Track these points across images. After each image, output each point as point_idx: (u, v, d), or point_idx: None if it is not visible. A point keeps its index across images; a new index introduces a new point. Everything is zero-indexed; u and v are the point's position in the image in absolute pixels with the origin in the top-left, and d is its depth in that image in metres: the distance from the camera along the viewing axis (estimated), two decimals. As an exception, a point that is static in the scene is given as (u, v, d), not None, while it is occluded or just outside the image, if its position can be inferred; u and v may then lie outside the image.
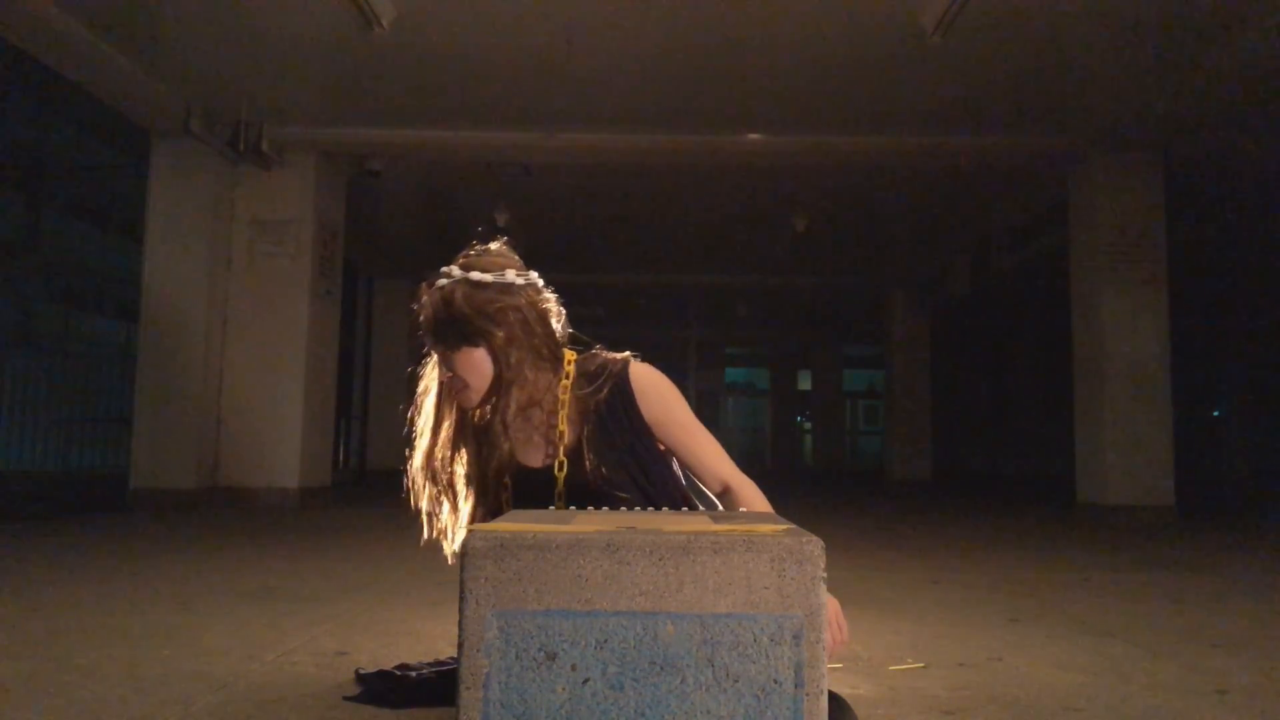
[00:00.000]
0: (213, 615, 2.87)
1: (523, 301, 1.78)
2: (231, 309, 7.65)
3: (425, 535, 1.91)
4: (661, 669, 1.09)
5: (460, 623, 1.10)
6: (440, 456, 1.85)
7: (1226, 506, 9.65)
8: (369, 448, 13.44)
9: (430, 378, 1.89)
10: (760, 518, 1.38)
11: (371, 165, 8.07)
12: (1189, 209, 9.12)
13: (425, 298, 1.81)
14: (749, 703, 1.09)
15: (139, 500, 7.17)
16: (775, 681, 1.09)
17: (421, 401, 1.89)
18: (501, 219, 9.68)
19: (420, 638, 2.58)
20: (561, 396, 1.79)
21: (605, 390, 1.78)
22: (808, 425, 23.85)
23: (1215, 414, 17.63)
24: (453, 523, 1.88)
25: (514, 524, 1.19)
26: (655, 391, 1.80)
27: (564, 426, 1.77)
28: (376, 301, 13.47)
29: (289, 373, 7.60)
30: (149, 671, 2.13)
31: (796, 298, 15.92)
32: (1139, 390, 7.35)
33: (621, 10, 5.65)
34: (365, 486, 11.59)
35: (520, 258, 1.88)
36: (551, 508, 1.75)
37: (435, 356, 1.84)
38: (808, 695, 1.08)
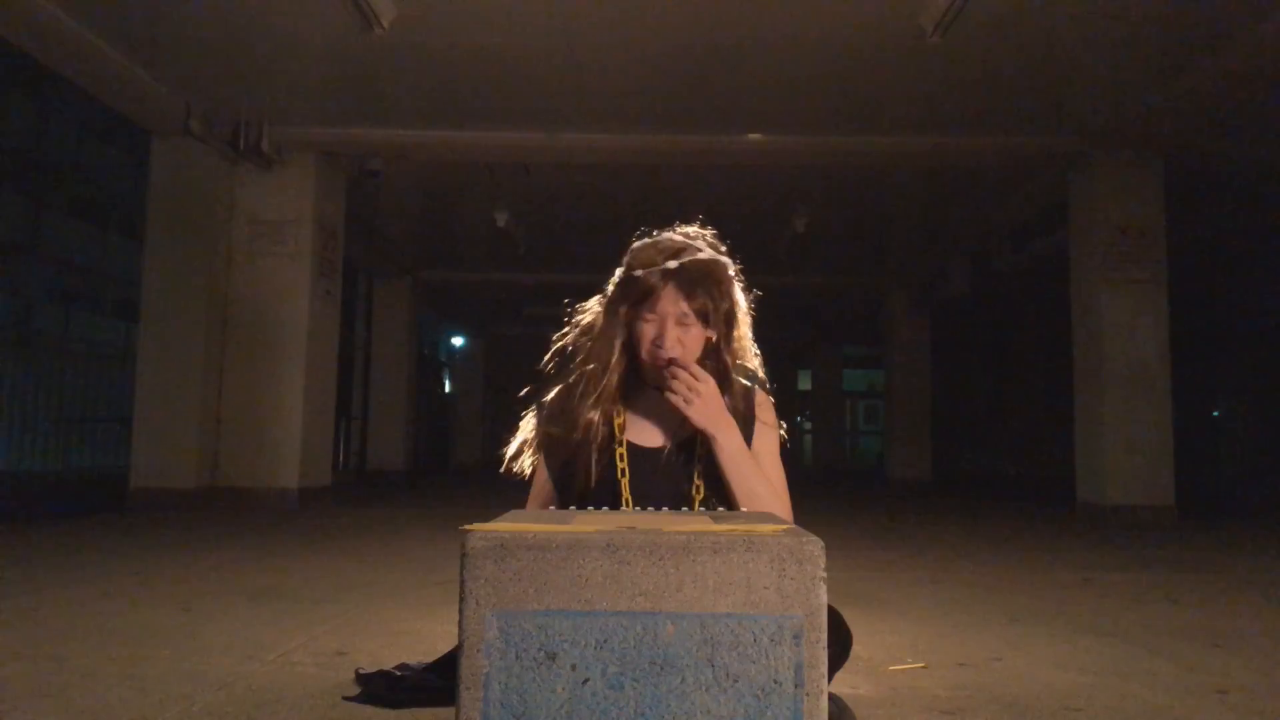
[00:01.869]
0: (213, 615, 2.87)
1: (738, 302, 1.79)
2: (231, 309, 7.65)
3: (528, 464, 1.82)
4: (661, 669, 1.09)
5: (460, 623, 1.10)
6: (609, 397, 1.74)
7: (1226, 506, 9.65)
8: (369, 448, 13.44)
9: (607, 322, 1.77)
10: (760, 518, 1.38)
11: (371, 165, 8.07)
12: (1189, 209, 9.12)
13: (679, 237, 1.76)
14: (749, 703, 1.09)
15: (139, 500, 7.17)
16: (775, 681, 1.09)
17: (601, 342, 1.76)
18: (501, 219, 9.68)
19: (420, 638, 2.58)
20: (732, 402, 1.75)
21: (738, 414, 1.75)
22: (807, 425, 23.85)
23: (1215, 414, 17.64)
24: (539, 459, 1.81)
25: (514, 524, 1.19)
26: (771, 412, 1.80)
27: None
28: (376, 301, 13.47)
29: (289, 373, 7.60)
30: (149, 671, 2.13)
31: (796, 298, 15.92)
32: (1139, 390, 7.35)
33: (621, 11, 5.65)
34: (365, 486, 11.60)
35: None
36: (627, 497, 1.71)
37: (625, 307, 1.73)
38: (808, 695, 1.08)
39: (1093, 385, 7.57)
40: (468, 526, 1.14)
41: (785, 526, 1.20)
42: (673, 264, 1.70)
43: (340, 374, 8.89)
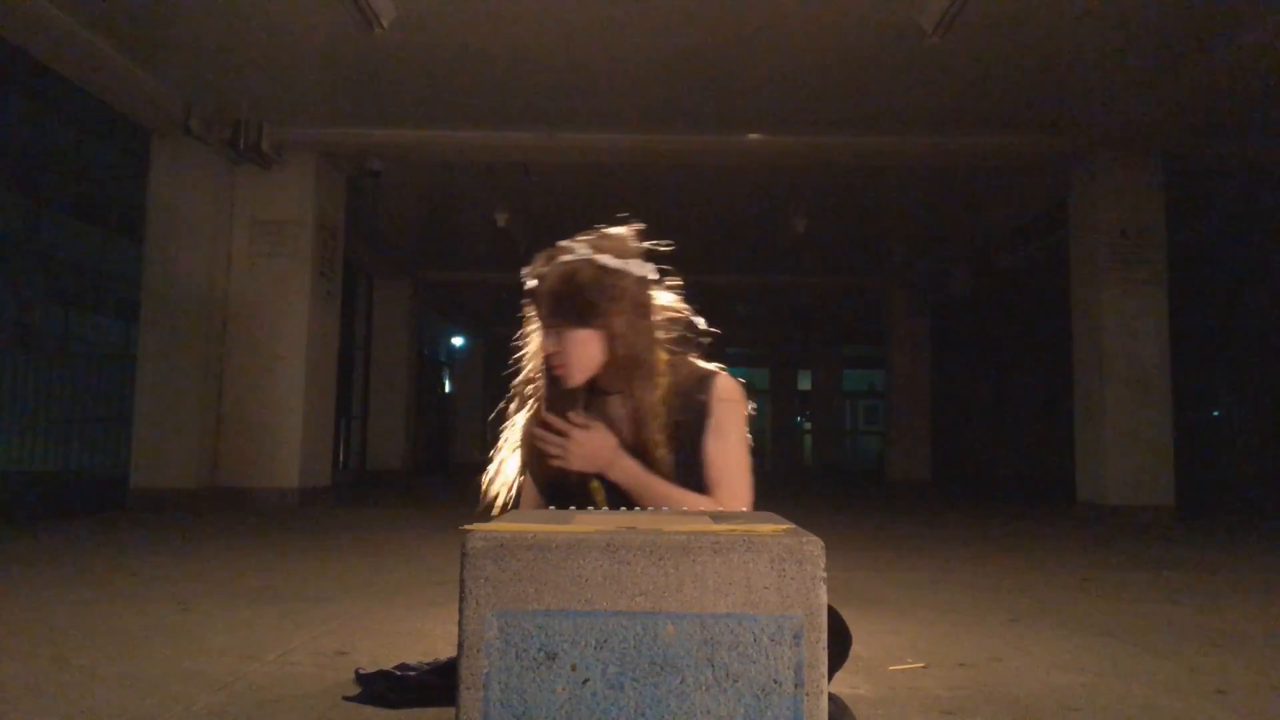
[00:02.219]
0: (213, 615, 2.86)
1: (645, 294, 1.77)
2: (231, 309, 7.65)
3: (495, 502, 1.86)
4: (661, 669, 1.09)
5: (460, 623, 1.10)
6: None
7: (1226, 506, 9.65)
8: (369, 448, 13.44)
9: (536, 340, 1.83)
10: (760, 518, 1.38)
11: (371, 165, 8.07)
12: (1189, 209, 9.12)
13: (546, 269, 1.77)
14: (749, 703, 1.09)
15: (139, 500, 7.17)
16: (775, 681, 1.09)
17: (535, 360, 1.83)
18: (501, 219, 9.67)
19: (420, 638, 2.58)
20: (654, 396, 1.74)
21: (693, 405, 1.74)
22: (808, 425, 23.84)
23: (1215, 414, 17.64)
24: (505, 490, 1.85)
25: (514, 524, 1.19)
26: (730, 400, 1.75)
27: (659, 435, 1.71)
28: (376, 301, 13.48)
29: (289, 373, 7.60)
30: (149, 671, 2.13)
31: (796, 298, 15.92)
32: (1139, 390, 7.35)
33: (621, 11, 5.65)
34: (365, 486, 11.60)
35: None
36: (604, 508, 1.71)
37: (541, 328, 1.78)
38: (808, 695, 1.08)
39: (1093, 385, 7.57)
40: (468, 526, 1.14)
41: (785, 527, 1.20)
42: (532, 282, 1.77)
43: (340, 374, 8.88)
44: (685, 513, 1.50)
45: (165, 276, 7.45)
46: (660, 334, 1.78)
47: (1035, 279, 11.82)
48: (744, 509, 1.71)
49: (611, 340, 1.72)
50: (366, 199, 9.41)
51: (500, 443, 1.88)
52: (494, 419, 1.90)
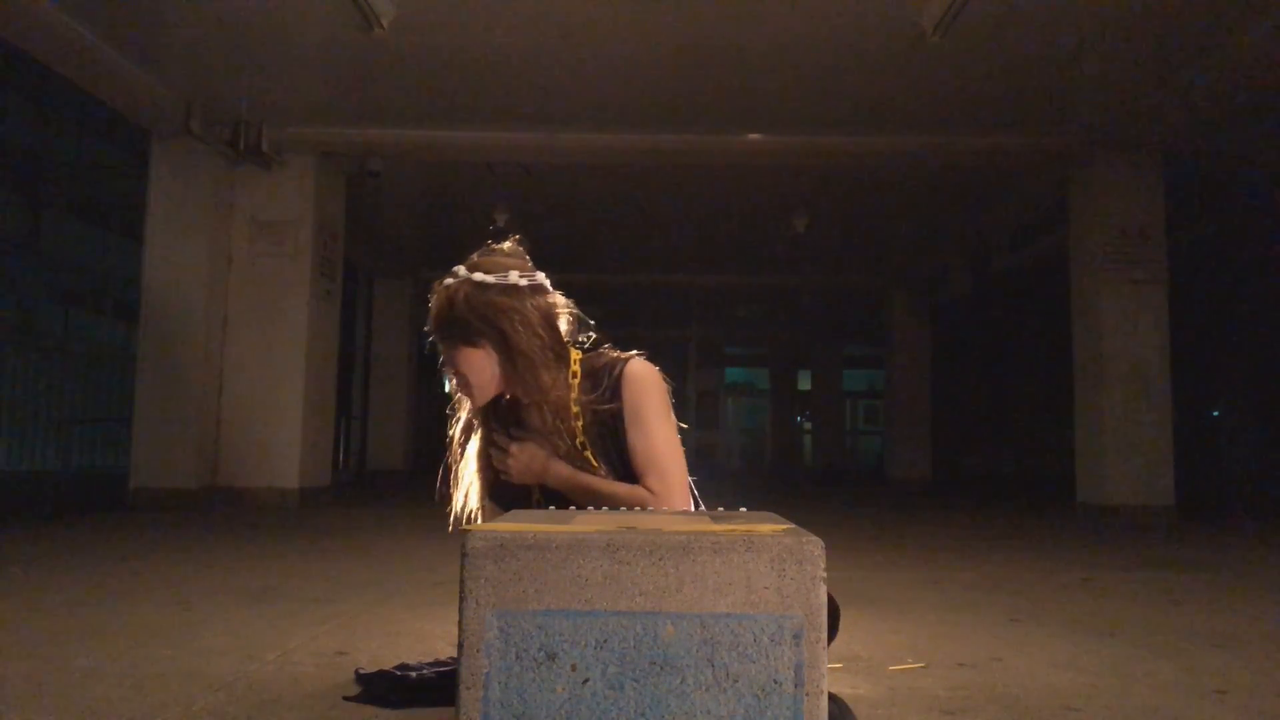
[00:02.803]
0: (213, 615, 2.86)
1: (525, 303, 1.78)
2: (231, 309, 7.65)
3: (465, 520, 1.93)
4: (661, 669, 1.09)
5: (460, 623, 1.10)
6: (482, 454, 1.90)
7: (1226, 506, 9.65)
8: (369, 448, 13.44)
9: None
10: (760, 518, 1.38)
11: (371, 165, 8.07)
12: (1189, 209, 9.12)
13: (432, 297, 1.84)
14: (749, 703, 1.09)
15: (139, 500, 7.17)
16: (775, 681, 1.09)
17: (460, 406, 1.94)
18: (501, 219, 9.68)
19: (420, 638, 2.58)
20: (571, 397, 1.79)
21: (608, 394, 1.78)
22: (808, 425, 23.84)
23: (1215, 414, 17.63)
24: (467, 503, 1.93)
25: (514, 524, 1.19)
26: (640, 384, 1.78)
27: (582, 435, 1.77)
28: (376, 301, 13.48)
29: (289, 373, 7.60)
30: (149, 671, 2.13)
31: (796, 298, 15.92)
32: (1139, 390, 7.35)
33: (621, 11, 5.65)
34: (365, 486, 11.59)
35: (529, 257, 1.89)
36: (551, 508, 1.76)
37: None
38: (808, 695, 1.08)
39: (1093, 385, 7.57)
40: (468, 526, 1.14)
41: (785, 527, 1.20)
42: (427, 326, 1.84)
43: (340, 374, 8.88)
44: (685, 513, 1.50)
45: (165, 276, 7.45)
46: (552, 336, 1.81)
47: (1035, 279, 11.81)
48: (675, 492, 1.74)
49: (505, 353, 1.77)
50: (366, 199, 9.41)
51: (449, 456, 1.94)
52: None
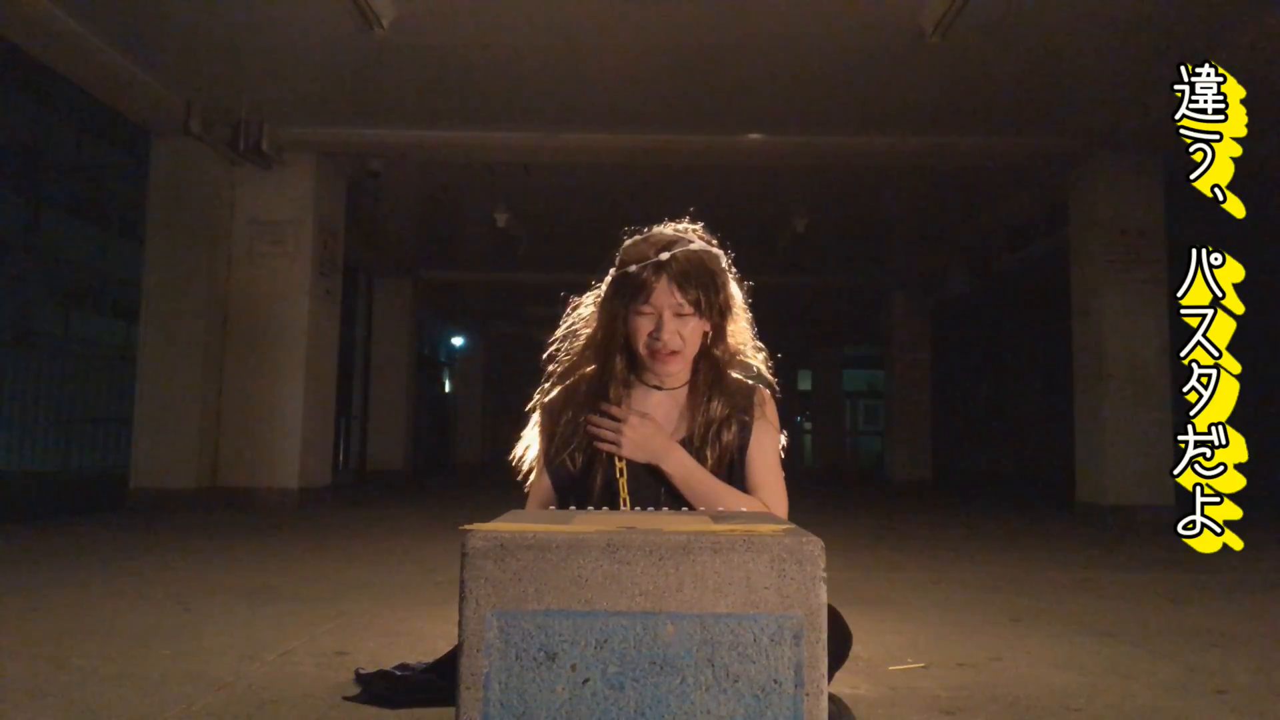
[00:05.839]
0: (213, 615, 2.86)
1: (737, 297, 1.79)
2: (231, 309, 7.65)
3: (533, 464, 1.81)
4: (661, 669, 1.09)
5: (460, 623, 1.10)
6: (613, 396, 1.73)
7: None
8: (369, 448, 13.43)
9: (602, 321, 1.78)
10: (760, 518, 1.38)
11: (371, 165, 8.07)
12: (1189, 209, 9.11)
13: (670, 230, 1.78)
14: (749, 703, 1.09)
15: (139, 500, 7.17)
16: (775, 681, 1.09)
17: (598, 342, 1.78)
18: (501, 219, 9.68)
19: (420, 638, 2.58)
20: (723, 403, 1.74)
21: (738, 413, 1.74)
22: (808, 425, 23.83)
23: (1215, 414, 17.61)
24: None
25: (514, 524, 1.19)
26: (772, 407, 1.79)
27: (718, 436, 1.72)
28: (376, 301, 13.47)
29: (289, 373, 7.59)
30: (149, 671, 2.13)
31: (796, 298, 15.91)
32: (1139, 390, 7.35)
33: (621, 11, 5.64)
34: (365, 487, 11.59)
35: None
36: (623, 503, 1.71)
37: (638, 309, 1.71)
38: (808, 695, 1.08)
39: (1093, 385, 7.56)
40: (468, 526, 1.14)
41: (785, 526, 1.20)
42: (664, 255, 1.69)
43: (340, 374, 8.88)
44: (685, 513, 1.50)
45: (165, 276, 7.45)
46: (746, 342, 1.80)
47: (1035, 279, 11.80)
48: (782, 513, 1.73)
49: (717, 335, 1.73)
50: (366, 199, 9.41)
51: (530, 424, 1.84)
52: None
